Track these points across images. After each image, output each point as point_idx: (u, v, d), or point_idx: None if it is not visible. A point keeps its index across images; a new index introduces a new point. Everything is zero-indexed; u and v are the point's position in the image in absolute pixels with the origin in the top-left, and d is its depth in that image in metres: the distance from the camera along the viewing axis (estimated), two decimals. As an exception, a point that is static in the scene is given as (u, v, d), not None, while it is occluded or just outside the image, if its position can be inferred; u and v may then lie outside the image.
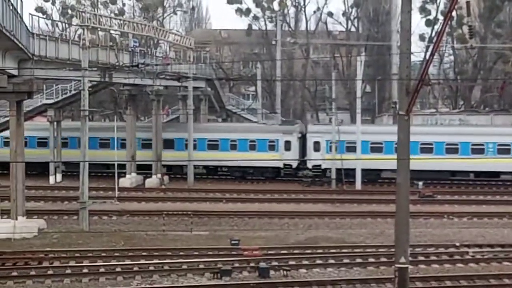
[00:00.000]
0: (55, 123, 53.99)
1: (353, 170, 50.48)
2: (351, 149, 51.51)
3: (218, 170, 58.15)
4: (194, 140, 54.09)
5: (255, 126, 59.16)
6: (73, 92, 52.96)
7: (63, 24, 72.48)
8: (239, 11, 78.63)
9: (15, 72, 32.83)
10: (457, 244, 32.25)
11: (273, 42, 69.84)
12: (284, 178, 55.84)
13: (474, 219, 40.07)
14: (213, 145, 55.51)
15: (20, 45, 29.34)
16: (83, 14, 41.68)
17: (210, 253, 30.87)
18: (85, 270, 28.15)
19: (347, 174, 50.60)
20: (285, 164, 54.68)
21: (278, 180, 55.13)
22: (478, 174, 53.56)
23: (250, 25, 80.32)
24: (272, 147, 55.12)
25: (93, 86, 47.70)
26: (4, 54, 29.38)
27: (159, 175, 53.33)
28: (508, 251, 31.23)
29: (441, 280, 26.73)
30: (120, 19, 51.63)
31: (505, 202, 45.64)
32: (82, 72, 37.20)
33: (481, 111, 69.21)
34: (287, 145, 54.82)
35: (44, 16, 73.11)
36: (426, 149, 51.22)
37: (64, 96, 53.92)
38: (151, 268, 28.43)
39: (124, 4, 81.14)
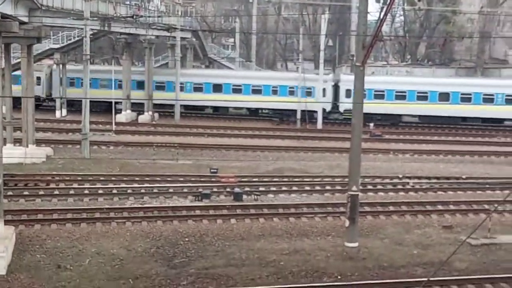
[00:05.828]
0: (61, 65, 53.11)
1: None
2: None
3: None
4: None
5: None
6: (76, 38, 51.78)
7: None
8: (222, -28, 77.26)
9: (26, 19, 32.04)
10: (400, 176, 32.56)
11: (250, 0, 68.77)
12: (258, 118, 55.38)
13: (415, 155, 40.38)
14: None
15: (30, -5, 28.60)
16: (85, -30, 40.52)
17: (193, 179, 30.96)
18: (86, 192, 28.15)
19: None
20: None
21: (253, 119, 54.83)
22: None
23: (231, -15, 79.04)
24: None
25: (94, 34, 46.69)
26: (16, 3, 28.58)
27: (150, 112, 52.89)
28: (442, 182, 31.67)
29: (385, 205, 27.12)
30: (118, -24, 50.24)
31: (441, 142, 46.11)
32: (84, 21, 36.39)
33: (425, 65, 69.28)
34: None
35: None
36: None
37: (69, 42, 52.82)
38: (143, 191, 28.47)
39: (122, -38, 79.31)
